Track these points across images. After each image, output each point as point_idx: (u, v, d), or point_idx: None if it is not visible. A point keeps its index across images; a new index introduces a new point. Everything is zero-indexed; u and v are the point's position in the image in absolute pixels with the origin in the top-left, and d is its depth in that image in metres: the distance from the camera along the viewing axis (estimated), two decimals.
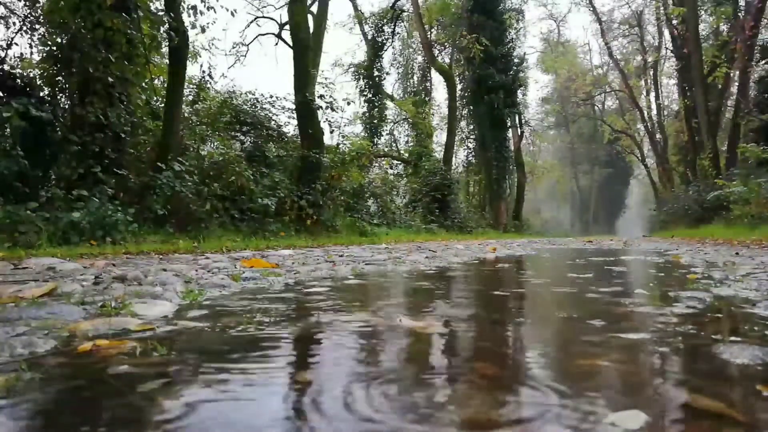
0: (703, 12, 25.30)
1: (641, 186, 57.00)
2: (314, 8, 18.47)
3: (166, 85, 11.15)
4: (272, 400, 0.93)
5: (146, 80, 10.55)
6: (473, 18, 26.94)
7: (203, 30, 10.48)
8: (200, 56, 15.09)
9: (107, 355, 1.23)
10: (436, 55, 28.86)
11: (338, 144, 16.80)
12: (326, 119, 15.02)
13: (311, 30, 15.43)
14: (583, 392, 0.96)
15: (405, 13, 29.58)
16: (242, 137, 14.37)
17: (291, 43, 15.30)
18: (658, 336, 1.46)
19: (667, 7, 27.77)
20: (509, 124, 30.54)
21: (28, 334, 1.41)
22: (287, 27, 18.74)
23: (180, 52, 10.42)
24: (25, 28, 9.22)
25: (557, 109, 51.71)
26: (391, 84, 32.67)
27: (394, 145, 31.28)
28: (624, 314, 1.90)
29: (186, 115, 12.52)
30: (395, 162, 28.11)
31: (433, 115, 32.35)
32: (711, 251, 6.66)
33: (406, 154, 28.33)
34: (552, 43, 48.31)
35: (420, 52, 30.81)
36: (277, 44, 23.83)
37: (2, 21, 9.30)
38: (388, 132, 30.69)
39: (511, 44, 29.94)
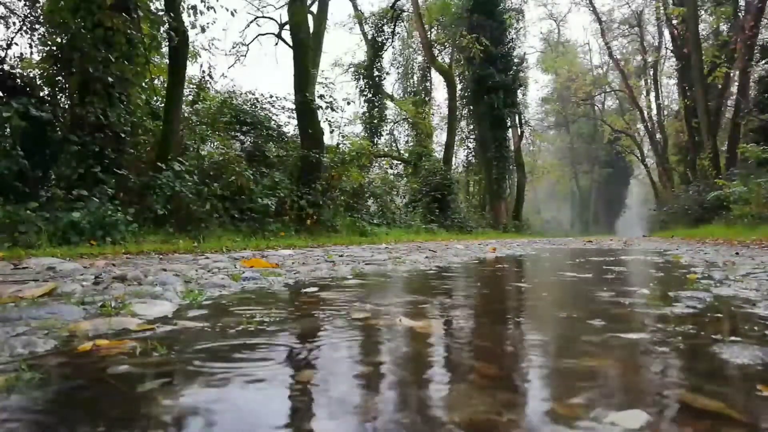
0: (703, 12, 25.29)
1: (641, 186, 56.99)
2: (314, 8, 18.47)
3: (166, 85, 11.15)
4: (272, 401, 0.93)
5: (146, 80, 10.56)
6: (473, 18, 26.94)
7: (203, 30, 10.50)
8: (200, 56, 15.11)
9: (107, 355, 1.23)
10: (436, 55, 28.85)
11: (338, 144, 16.81)
12: (326, 119, 15.03)
13: (311, 30, 15.44)
14: (583, 392, 0.96)
15: (405, 13, 29.57)
16: (242, 137, 14.38)
17: (291, 43, 15.30)
18: (658, 336, 1.46)
19: (667, 7, 27.77)
20: (509, 124, 30.55)
21: (28, 333, 1.41)
22: (287, 27, 18.74)
23: (180, 52, 10.42)
24: (25, 28, 9.22)
25: (557, 109, 51.74)
26: (391, 84, 32.73)
27: (394, 145, 31.29)
28: (624, 314, 1.90)
29: (186, 115, 12.52)
30: (395, 162, 28.11)
31: (433, 115, 32.36)
32: (711, 251, 6.66)
33: (406, 154, 28.34)
34: (552, 43, 48.37)
35: (420, 52, 30.81)
36: (277, 44, 23.88)
37: (2, 21, 9.30)
38: (388, 132, 30.74)
39: (511, 44, 29.96)
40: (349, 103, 17.41)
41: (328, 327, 1.64)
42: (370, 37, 29.54)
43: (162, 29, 9.93)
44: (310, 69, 14.21)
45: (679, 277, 3.38)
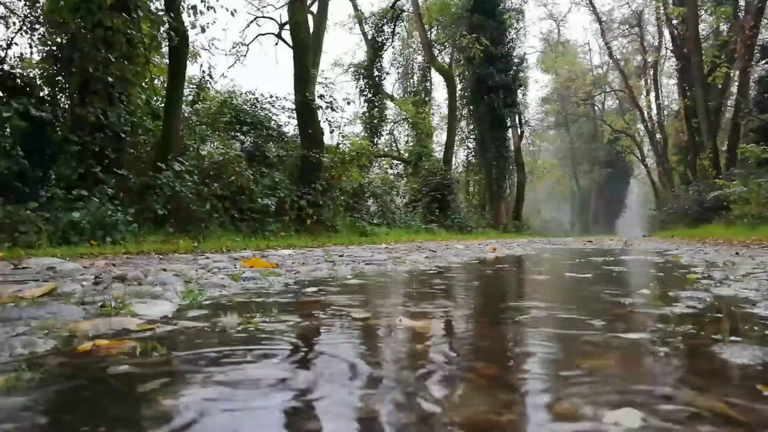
0: (703, 12, 25.29)
1: (641, 186, 56.90)
2: (314, 8, 18.45)
3: (166, 85, 11.16)
4: (272, 401, 0.93)
5: (146, 80, 10.57)
6: (473, 18, 26.94)
7: (203, 30, 10.51)
8: (200, 56, 15.10)
9: (107, 355, 1.23)
10: (436, 55, 28.84)
11: (338, 144, 16.82)
12: (326, 119, 15.06)
13: (311, 30, 15.44)
14: (583, 391, 0.96)
15: (405, 13, 29.57)
16: (242, 137, 14.39)
17: (291, 43, 15.31)
18: (658, 336, 1.46)
19: (667, 7, 27.75)
20: (509, 124, 30.57)
21: (28, 333, 1.41)
22: (287, 27, 18.73)
23: (180, 52, 10.42)
24: (25, 28, 9.23)
25: (557, 109, 51.72)
26: (391, 84, 32.72)
27: (394, 145, 31.30)
28: (624, 314, 1.90)
29: (186, 115, 12.53)
30: (395, 162, 28.11)
31: (433, 115, 32.37)
32: (711, 251, 6.66)
33: (406, 154, 28.34)
34: (552, 43, 48.41)
35: (420, 52, 30.82)
36: (277, 44, 23.82)
37: (2, 21, 9.31)
38: (388, 132, 30.74)
39: (511, 44, 29.98)
40: (349, 103, 17.45)
41: (329, 327, 1.64)
42: (370, 37, 29.53)
43: (162, 29, 9.94)
44: (310, 69, 14.21)
45: (679, 277, 3.38)
